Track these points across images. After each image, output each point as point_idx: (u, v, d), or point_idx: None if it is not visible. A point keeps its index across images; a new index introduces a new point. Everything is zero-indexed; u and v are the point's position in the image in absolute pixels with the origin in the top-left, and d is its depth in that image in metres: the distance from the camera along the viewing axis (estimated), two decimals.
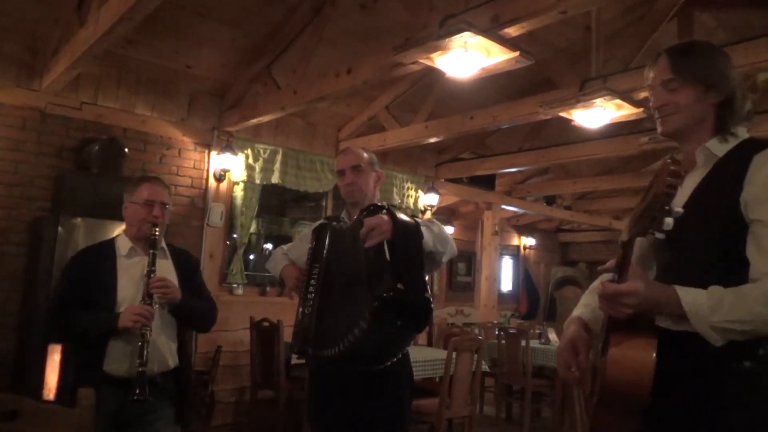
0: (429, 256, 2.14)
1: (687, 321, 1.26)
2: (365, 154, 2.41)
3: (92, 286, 2.26)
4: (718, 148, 1.42)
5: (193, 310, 2.37)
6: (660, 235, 1.20)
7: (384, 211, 2.05)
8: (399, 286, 1.91)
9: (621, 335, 1.31)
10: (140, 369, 2.09)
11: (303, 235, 2.58)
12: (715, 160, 1.42)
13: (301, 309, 2.22)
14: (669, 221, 1.16)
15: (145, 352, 2.12)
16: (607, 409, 1.35)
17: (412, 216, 2.18)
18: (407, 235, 2.03)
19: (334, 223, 2.34)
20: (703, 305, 1.24)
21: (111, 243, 2.40)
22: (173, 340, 2.35)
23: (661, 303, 1.28)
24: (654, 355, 1.26)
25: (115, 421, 2.19)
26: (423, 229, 2.09)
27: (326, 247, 2.23)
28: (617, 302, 1.27)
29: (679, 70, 1.44)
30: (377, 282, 1.95)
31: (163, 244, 2.45)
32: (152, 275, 2.23)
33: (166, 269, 2.39)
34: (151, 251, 2.28)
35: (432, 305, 2.11)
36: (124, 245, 2.36)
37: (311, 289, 2.20)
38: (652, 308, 1.29)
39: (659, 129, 1.50)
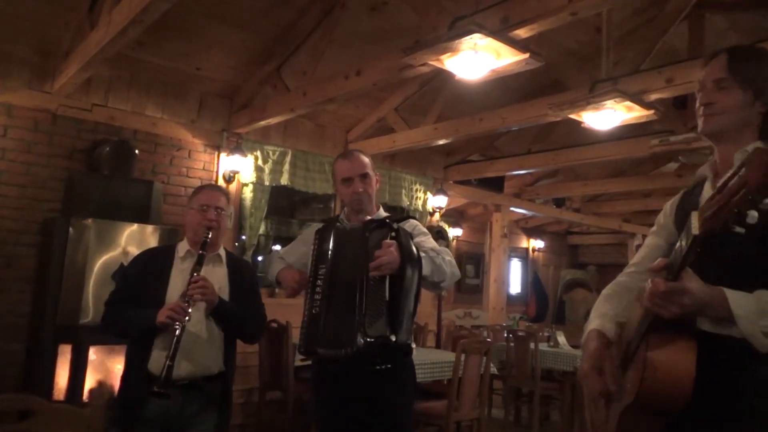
0: (427, 283, 2.22)
1: (733, 325, 1.22)
2: (367, 159, 2.45)
3: (146, 284, 2.34)
4: None
5: (232, 316, 2.38)
6: (740, 230, 1.13)
7: (393, 234, 2.12)
8: (392, 337, 2.04)
9: (659, 338, 1.27)
10: (168, 363, 2.10)
11: (300, 238, 2.61)
12: None
13: (308, 309, 2.23)
14: (754, 214, 1.07)
15: (172, 348, 2.12)
16: (637, 412, 1.31)
17: (413, 237, 2.24)
18: (411, 276, 2.11)
19: (338, 224, 2.37)
20: (752, 309, 1.21)
21: (172, 246, 2.50)
22: (218, 346, 2.36)
23: (709, 304, 1.23)
24: (694, 359, 1.23)
25: (156, 420, 2.22)
26: (424, 261, 2.16)
27: (331, 248, 2.26)
28: (670, 301, 1.22)
29: (734, 71, 1.41)
30: (372, 319, 2.06)
31: (222, 251, 2.50)
32: (195, 274, 2.26)
33: (219, 276, 2.42)
34: (200, 252, 2.32)
35: (412, 348, 2.25)
36: (182, 249, 2.45)
37: (318, 289, 2.21)
38: (699, 310, 1.25)
39: (700, 127, 1.46)
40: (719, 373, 1.27)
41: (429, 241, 2.35)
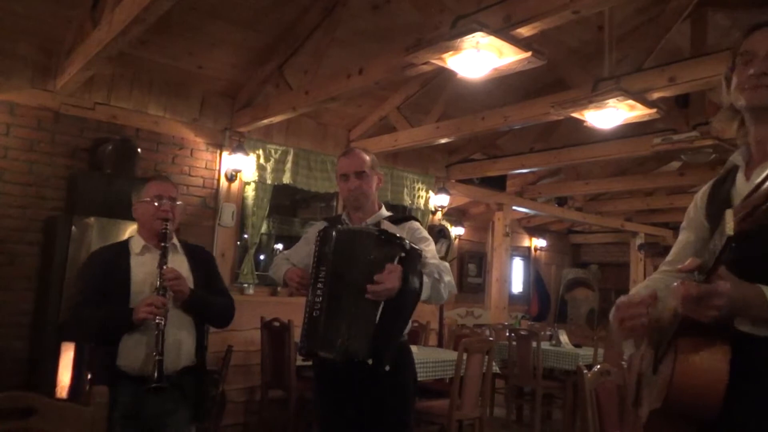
0: (422, 302, 2.26)
1: None
2: (368, 157, 2.44)
3: (107, 283, 2.29)
4: None
5: (205, 304, 2.37)
6: None
7: (402, 255, 2.10)
8: (368, 361, 2.07)
9: (690, 339, 1.18)
10: (158, 358, 2.09)
11: (303, 237, 2.62)
12: None
13: (308, 311, 2.24)
14: None
15: (161, 342, 2.11)
16: (666, 419, 1.21)
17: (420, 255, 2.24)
18: (406, 304, 2.14)
19: (339, 225, 2.36)
20: None
21: (125, 243, 2.45)
22: (190, 338, 2.34)
23: (746, 304, 1.14)
24: (728, 364, 1.14)
25: (131, 419, 2.20)
26: (424, 288, 2.18)
27: (332, 249, 2.25)
28: (705, 305, 1.12)
29: None
30: (356, 334, 2.09)
31: (176, 240, 2.47)
32: (165, 267, 2.25)
33: (179, 264, 2.40)
34: (162, 244, 2.30)
35: (387, 369, 2.23)
36: (137, 244, 2.40)
37: (318, 291, 2.21)
38: (737, 310, 1.15)
39: (745, 99, 1.30)
40: (758, 378, 1.18)
41: (429, 248, 2.35)
